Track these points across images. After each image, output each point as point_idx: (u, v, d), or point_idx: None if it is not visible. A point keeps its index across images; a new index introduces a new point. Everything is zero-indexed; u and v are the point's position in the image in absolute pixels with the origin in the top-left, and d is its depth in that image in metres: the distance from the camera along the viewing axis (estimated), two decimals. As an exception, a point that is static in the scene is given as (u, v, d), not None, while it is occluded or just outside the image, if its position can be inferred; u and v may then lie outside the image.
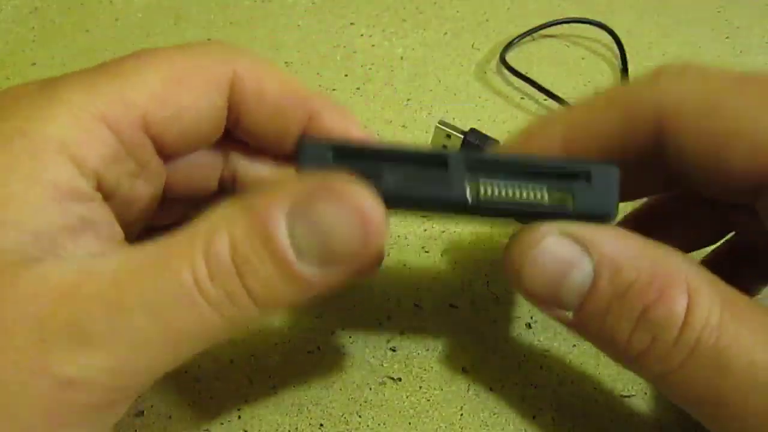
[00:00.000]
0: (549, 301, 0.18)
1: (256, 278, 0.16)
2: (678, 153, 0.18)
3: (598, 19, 0.40)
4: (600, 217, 0.18)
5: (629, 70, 0.39)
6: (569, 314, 0.18)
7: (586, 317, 0.18)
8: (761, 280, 0.24)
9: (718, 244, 0.25)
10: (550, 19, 0.41)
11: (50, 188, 0.16)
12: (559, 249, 0.18)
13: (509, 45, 0.40)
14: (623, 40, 0.39)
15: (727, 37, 0.42)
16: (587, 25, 0.40)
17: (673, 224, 0.24)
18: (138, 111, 0.18)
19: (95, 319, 0.15)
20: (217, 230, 0.16)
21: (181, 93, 0.19)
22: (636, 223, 0.25)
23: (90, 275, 0.16)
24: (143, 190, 0.20)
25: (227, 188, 0.23)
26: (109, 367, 0.16)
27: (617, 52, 0.40)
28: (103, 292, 0.15)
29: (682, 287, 0.17)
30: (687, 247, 0.23)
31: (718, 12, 0.44)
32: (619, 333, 0.18)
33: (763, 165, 0.17)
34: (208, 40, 0.22)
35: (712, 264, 0.24)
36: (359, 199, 0.16)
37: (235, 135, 0.22)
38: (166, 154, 0.20)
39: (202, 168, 0.22)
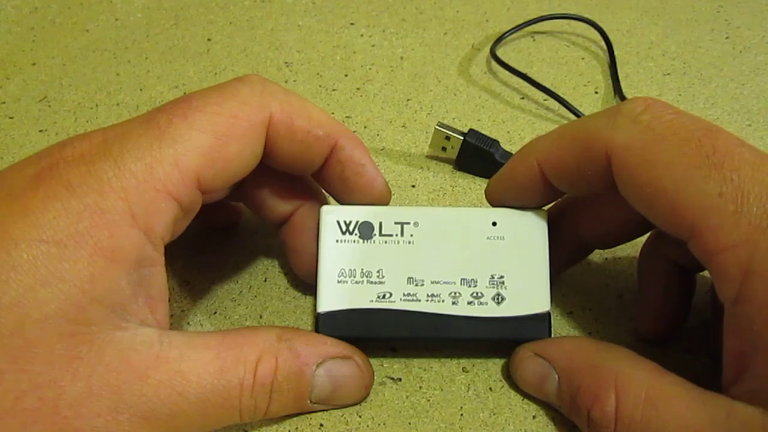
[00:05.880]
0: (542, 399, 0.24)
1: (278, 401, 0.21)
2: (622, 189, 0.21)
3: (598, 19, 0.40)
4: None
5: (626, 68, 0.39)
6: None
7: (564, 411, 0.23)
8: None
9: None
10: (550, 19, 0.41)
11: (126, 263, 0.19)
12: (534, 367, 0.23)
13: (499, 40, 0.40)
14: (624, 40, 0.39)
15: (726, 37, 0.42)
16: (587, 25, 0.41)
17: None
18: (193, 174, 0.20)
19: (164, 403, 0.19)
20: (266, 356, 0.21)
21: (228, 148, 0.21)
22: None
23: (160, 360, 0.19)
24: (184, 223, 0.22)
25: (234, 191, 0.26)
26: None
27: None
28: (172, 381, 0.19)
29: (611, 389, 0.21)
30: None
31: (718, 12, 0.44)
32: (582, 427, 0.22)
33: (680, 225, 0.20)
34: (244, 75, 0.23)
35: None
36: (369, 371, 0.24)
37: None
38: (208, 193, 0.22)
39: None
